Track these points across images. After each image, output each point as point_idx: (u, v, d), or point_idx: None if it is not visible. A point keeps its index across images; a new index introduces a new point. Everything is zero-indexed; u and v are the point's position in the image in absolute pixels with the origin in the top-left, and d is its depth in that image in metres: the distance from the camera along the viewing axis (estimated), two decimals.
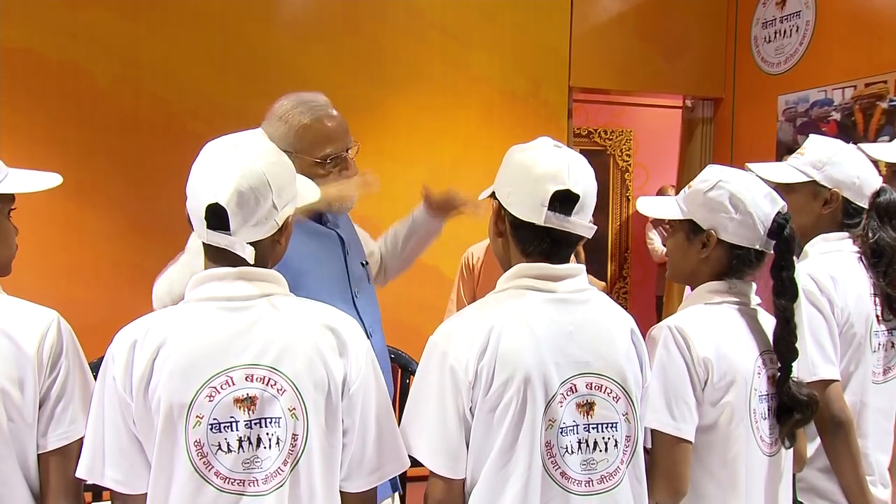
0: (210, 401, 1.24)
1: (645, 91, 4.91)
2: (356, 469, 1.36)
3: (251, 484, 1.25)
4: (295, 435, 1.27)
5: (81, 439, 1.34)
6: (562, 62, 4.36)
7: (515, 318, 1.36)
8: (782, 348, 1.53)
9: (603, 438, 1.38)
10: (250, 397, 1.25)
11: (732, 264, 1.58)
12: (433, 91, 4.13)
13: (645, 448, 1.50)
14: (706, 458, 1.51)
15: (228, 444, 1.24)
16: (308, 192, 1.46)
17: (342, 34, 3.98)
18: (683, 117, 4.96)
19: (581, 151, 5.68)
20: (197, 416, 1.23)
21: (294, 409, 1.27)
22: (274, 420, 1.26)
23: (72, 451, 1.33)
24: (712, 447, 1.51)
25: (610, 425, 1.38)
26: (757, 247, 1.56)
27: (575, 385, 1.36)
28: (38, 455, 1.33)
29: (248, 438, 1.25)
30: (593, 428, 1.37)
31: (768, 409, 1.56)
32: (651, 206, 1.70)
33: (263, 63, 3.83)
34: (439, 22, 4.13)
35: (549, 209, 1.36)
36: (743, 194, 1.55)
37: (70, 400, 1.35)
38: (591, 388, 1.37)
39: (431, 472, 1.36)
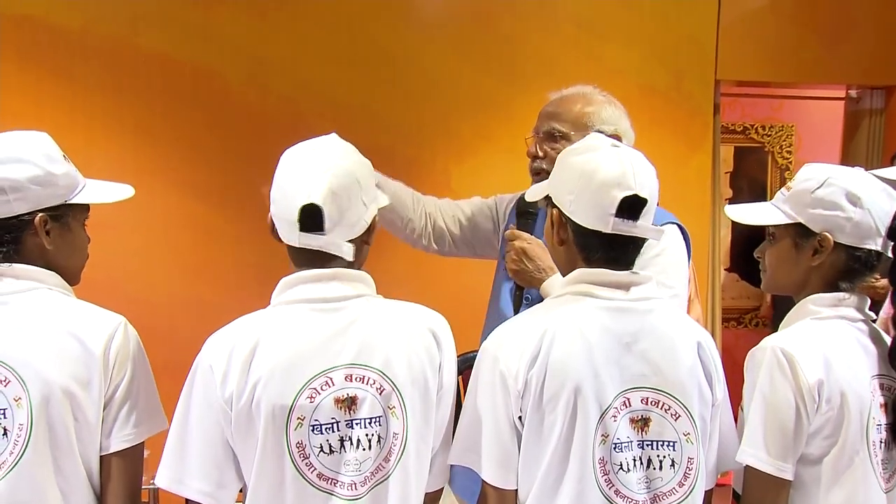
0: (311, 402, 1.26)
1: (801, 82, 4.54)
2: (433, 465, 1.38)
3: (352, 485, 1.27)
4: (395, 434, 1.29)
5: (143, 444, 1.38)
6: (707, 53, 4.05)
7: (569, 326, 1.32)
8: None
9: (658, 456, 1.33)
10: (350, 397, 1.27)
11: (850, 269, 1.42)
12: (566, 86, 3.90)
13: (735, 492, 1.45)
14: (813, 495, 1.40)
15: (330, 445, 1.26)
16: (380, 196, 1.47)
17: (471, 30, 3.86)
18: (846, 109, 4.54)
19: (736, 149, 5.37)
20: (298, 418, 1.25)
21: (394, 407, 1.29)
22: (375, 419, 1.28)
23: (134, 455, 1.37)
24: (820, 483, 1.39)
25: (666, 443, 1.33)
26: (878, 248, 1.43)
27: (629, 399, 1.32)
28: (101, 457, 1.36)
29: (350, 438, 1.27)
30: (648, 445, 1.32)
31: (883, 441, 1.41)
32: (745, 213, 1.55)
33: (390, 61, 3.76)
34: (573, 14, 3.93)
35: (615, 216, 1.31)
36: (859, 189, 1.40)
37: (135, 403, 1.37)
38: (646, 404, 1.32)
39: (484, 481, 1.35)
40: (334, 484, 1.26)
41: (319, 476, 1.26)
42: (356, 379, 1.27)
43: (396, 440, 1.29)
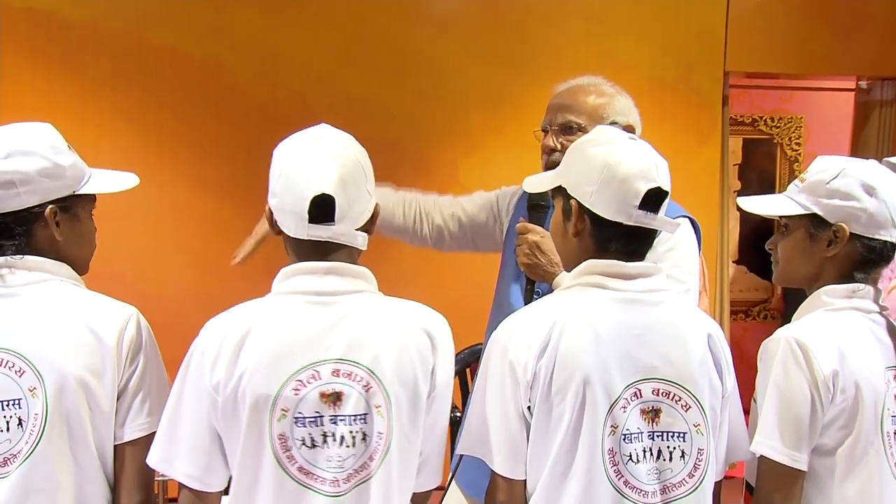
0: (296, 394, 1.24)
1: (811, 74, 4.51)
2: (424, 467, 1.37)
3: (335, 482, 1.25)
4: (380, 433, 1.27)
5: (156, 433, 1.36)
6: (716, 46, 4.04)
7: (578, 317, 1.32)
8: None
9: (668, 448, 1.33)
10: (336, 392, 1.25)
11: (864, 260, 1.42)
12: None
13: (748, 484, 1.45)
14: (827, 486, 1.40)
15: (313, 439, 1.25)
16: None
17: (480, 24, 3.86)
18: (857, 100, 4.52)
19: (744, 141, 5.35)
20: (282, 410, 1.24)
21: (380, 406, 1.27)
22: (359, 417, 1.26)
23: (147, 444, 1.35)
24: (834, 474, 1.39)
25: (677, 435, 1.33)
26: (892, 239, 1.43)
27: (640, 390, 1.32)
28: (115, 446, 1.37)
29: (333, 434, 1.25)
30: (658, 436, 1.33)
31: None
32: (759, 204, 1.54)
33: (400, 55, 3.78)
34: (582, 7, 3.94)
35: (638, 208, 1.32)
36: (874, 180, 1.42)
37: (148, 393, 1.38)
38: (657, 395, 1.32)
39: (493, 471, 1.35)
40: (315, 479, 1.25)
41: (300, 469, 1.25)
42: (343, 375, 1.26)
43: (381, 439, 1.27)
